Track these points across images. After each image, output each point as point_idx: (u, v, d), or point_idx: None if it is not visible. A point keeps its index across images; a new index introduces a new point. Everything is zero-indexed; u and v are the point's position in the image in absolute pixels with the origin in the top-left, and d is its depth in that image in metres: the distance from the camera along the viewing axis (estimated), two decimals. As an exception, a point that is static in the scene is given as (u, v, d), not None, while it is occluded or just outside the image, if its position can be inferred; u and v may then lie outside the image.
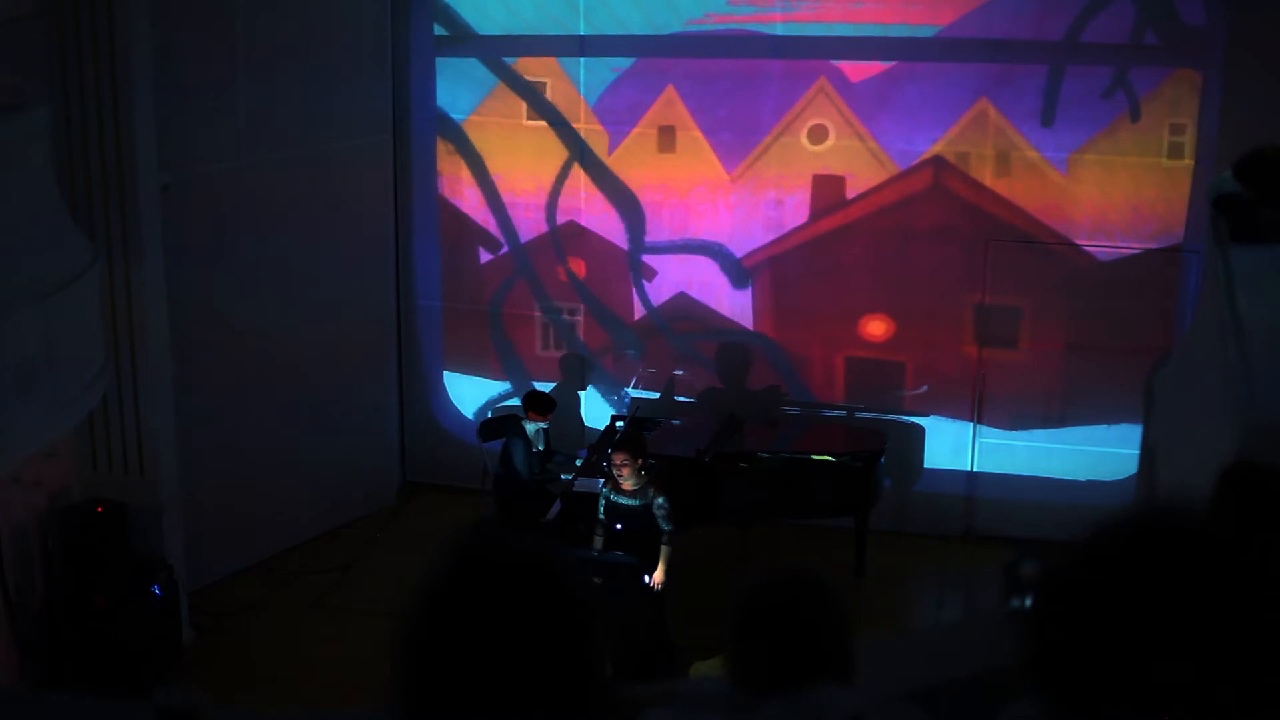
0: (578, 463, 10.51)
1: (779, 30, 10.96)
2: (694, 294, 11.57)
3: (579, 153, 11.47)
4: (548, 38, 11.35)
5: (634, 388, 11.71)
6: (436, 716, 1.97)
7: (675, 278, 11.59)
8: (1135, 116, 10.60)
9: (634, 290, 11.66)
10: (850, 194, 11.11)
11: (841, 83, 10.95)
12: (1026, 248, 10.85)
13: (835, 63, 10.92)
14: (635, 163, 11.42)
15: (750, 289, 11.47)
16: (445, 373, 12.14)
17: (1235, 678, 1.81)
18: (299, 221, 10.76)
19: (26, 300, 7.17)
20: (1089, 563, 1.90)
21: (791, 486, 10.36)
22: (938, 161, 10.91)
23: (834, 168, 11.08)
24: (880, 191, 11.07)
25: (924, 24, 10.74)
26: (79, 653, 8.81)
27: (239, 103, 10.24)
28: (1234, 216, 6.45)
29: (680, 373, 11.67)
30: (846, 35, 10.88)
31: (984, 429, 11.20)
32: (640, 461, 8.95)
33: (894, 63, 10.84)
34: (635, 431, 9.65)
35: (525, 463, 10.28)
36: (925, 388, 11.31)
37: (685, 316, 11.61)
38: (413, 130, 11.60)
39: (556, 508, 9.84)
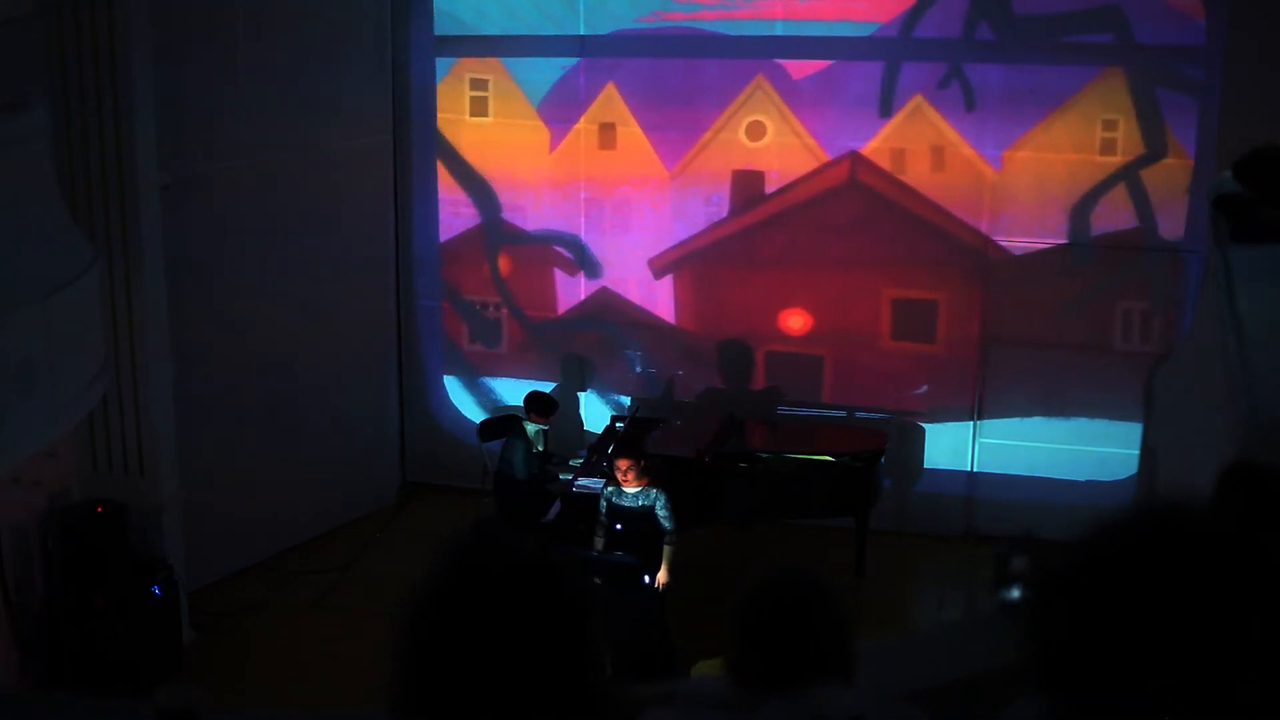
0: (573, 464, 10.53)
1: (722, 28, 11.06)
2: (616, 289, 11.68)
3: (523, 148, 11.56)
4: (547, 38, 11.36)
5: (633, 389, 11.72)
6: (436, 717, 1.97)
7: (599, 273, 11.69)
8: (970, 106, 10.77)
9: (556, 285, 11.75)
10: (776, 189, 11.22)
11: (781, 79, 11.03)
12: (934, 240, 10.97)
13: (779, 60, 11.04)
14: (576, 159, 11.48)
15: (672, 284, 11.56)
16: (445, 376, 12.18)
17: (1236, 678, 1.81)
18: (299, 221, 10.76)
19: (26, 300, 7.17)
20: (1089, 562, 1.90)
21: (791, 486, 10.36)
22: (854, 156, 11.01)
23: (771, 164, 11.19)
24: (798, 186, 11.19)
25: (866, 20, 10.82)
26: (79, 653, 8.81)
27: (239, 103, 10.24)
28: (1234, 216, 6.45)
29: (680, 373, 11.68)
30: (788, 34, 10.97)
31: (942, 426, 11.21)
32: (643, 463, 8.95)
33: (835, 60, 10.97)
34: (633, 434, 9.63)
35: (524, 463, 10.27)
36: (925, 388, 11.31)
37: (607, 311, 11.70)
38: (413, 130, 11.61)
39: (556, 508, 9.84)
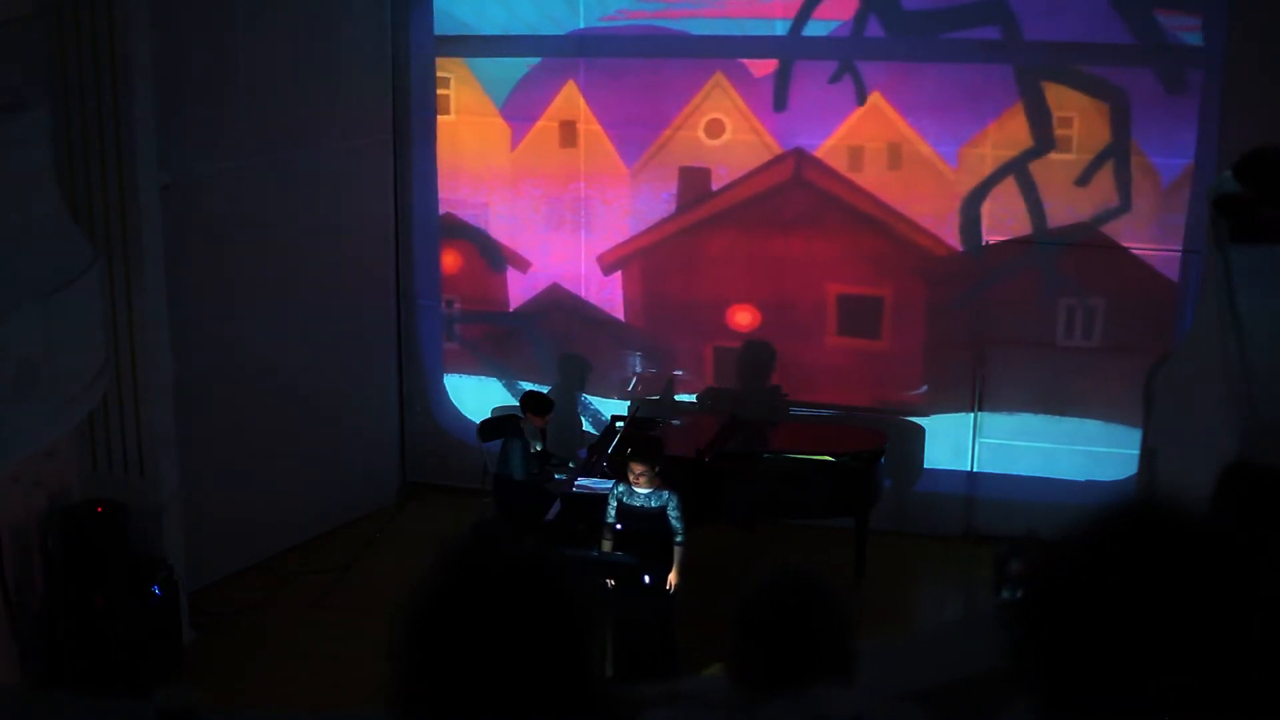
0: (573, 465, 10.53)
1: (683, 26, 11.13)
2: (567, 285, 11.75)
3: (484, 145, 11.65)
4: (547, 37, 11.36)
5: (632, 391, 11.72)
6: (435, 717, 1.97)
7: (550, 270, 11.76)
8: (860, 100, 10.87)
9: (507, 281, 11.83)
10: (723, 186, 11.32)
11: (742, 77, 11.09)
12: (878, 236, 11.07)
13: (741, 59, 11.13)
14: (537, 157, 11.56)
15: (620, 280, 11.62)
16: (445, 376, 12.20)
17: (1234, 678, 1.80)
18: (299, 221, 10.76)
19: (26, 300, 7.17)
20: (1084, 561, 1.90)
21: (791, 487, 10.36)
22: (799, 154, 11.09)
23: (729, 162, 11.26)
24: (743, 184, 11.27)
25: (826, 19, 10.89)
26: (79, 653, 8.81)
27: (239, 103, 10.24)
28: (1234, 216, 6.45)
29: (680, 373, 11.69)
30: (748, 34, 11.05)
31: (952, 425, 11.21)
32: (658, 470, 8.93)
33: (796, 59, 11.04)
34: (653, 439, 9.50)
35: (522, 463, 10.27)
36: (925, 388, 11.32)
37: (557, 308, 11.78)
38: (413, 130, 11.61)
39: (556, 508, 9.83)
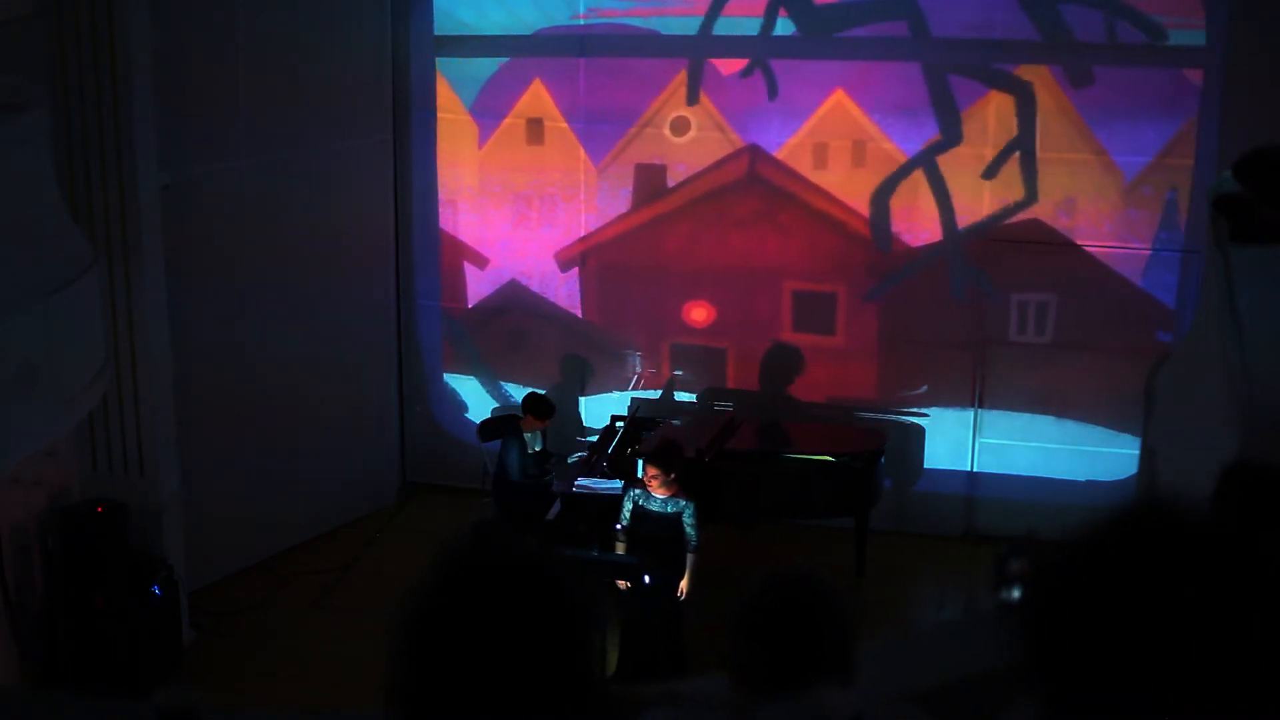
0: (570, 460, 10.58)
1: (654, 25, 11.18)
2: (524, 281, 11.81)
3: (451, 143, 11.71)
4: (547, 37, 11.37)
5: (633, 388, 11.72)
6: (435, 717, 1.97)
7: (509, 266, 11.81)
8: (773, 95, 10.97)
9: (465, 277, 11.87)
10: (678, 183, 11.39)
11: (709, 75, 11.14)
12: (832, 233, 11.12)
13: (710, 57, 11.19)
14: (505, 154, 11.60)
15: (578, 276, 11.67)
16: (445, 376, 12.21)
17: (1235, 678, 1.80)
18: (299, 221, 10.75)
19: (26, 300, 7.17)
20: (1086, 561, 1.90)
21: (792, 487, 10.35)
22: (753, 150, 11.15)
23: (695, 159, 11.30)
24: (698, 180, 11.34)
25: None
26: (79, 653, 8.81)
27: (239, 103, 10.24)
28: (1234, 216, 6.45)
29: (680, 373, 11.69)
30: (716, 33, 11.10)
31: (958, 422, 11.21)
32: (672, 476, 8.86)
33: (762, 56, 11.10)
34: (673, 444, 9.42)
35: (519, 463, 10.26)
36: (925, 388, 11.32)
37: (516, 305, 11.83)
38: (413, 130, 11.62)
39: (556, 508, 9.83)
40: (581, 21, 11.27)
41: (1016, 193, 10.86)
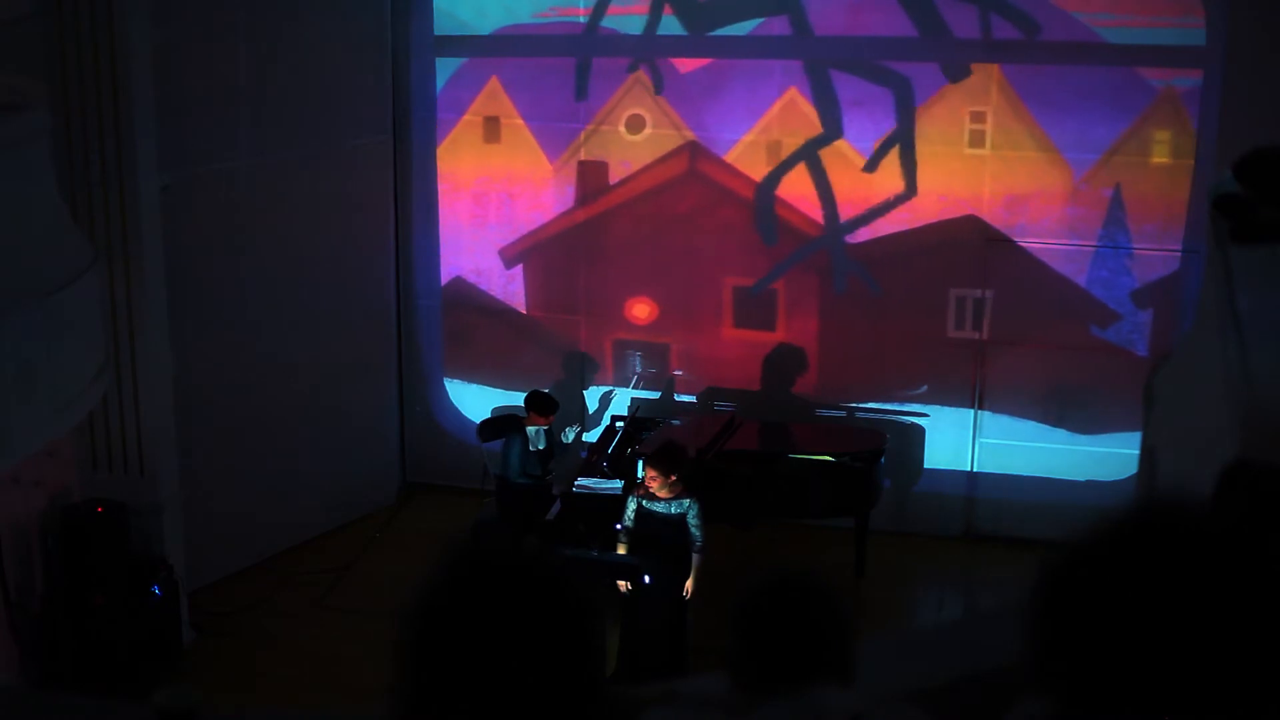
0: (569, 435, 10.78)
1: (614, 24, 11.22)
2: (470, 279, 11.86)
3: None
4: (546, 37, 11.37)
5: (634, 388, 11.72)
6: (436, 717, 1.97)
7: (454, 262, 11.87)
8: (659, 90, 11.13)
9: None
10: (620, 180, 11.46)
11: (666, 73, 11.18)
12: (780, 230, 11.21)
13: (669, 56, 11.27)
14: (460, 152, 11.65)
15: (522, 273, 11.72)
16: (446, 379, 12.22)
17: (1236, 678, 1.81)
18: (299, 221, 10.76)
19: (26, 300, 7.17)
20: (1091, 560, 1.90)
21: (792, 487, 10.35)
22: (693, 146, 11.22)
23: (650, 157, 11.36)
24: (640, 177, 11.41)
25: (748, 18, 11.02)
26: (79, 653, 8.81)
27: (239, 103, 10.24)
28: (1234, 216, 6.44)
29: (680, 372, 11.69)
30: (670, 33, 11.18)
31: (966, 419, 11.21)
32: (673, 478, 8.84)
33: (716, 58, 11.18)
34: (676, 446, 9.36)
35: (519, 463, 10.25)
36: (924, 388, 11.32)
37: (460, 301, 11.87)
38: (413, 130, 11.63)
39: (556, 508, 9.83)
40: (545, 20, 11.32)
41: (897, 186, 10.94)
